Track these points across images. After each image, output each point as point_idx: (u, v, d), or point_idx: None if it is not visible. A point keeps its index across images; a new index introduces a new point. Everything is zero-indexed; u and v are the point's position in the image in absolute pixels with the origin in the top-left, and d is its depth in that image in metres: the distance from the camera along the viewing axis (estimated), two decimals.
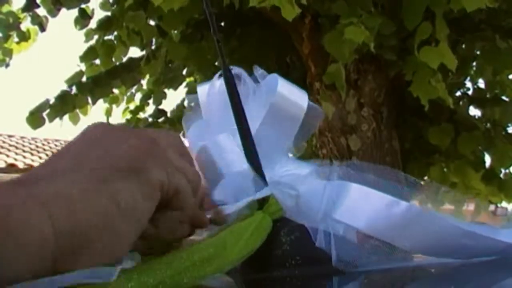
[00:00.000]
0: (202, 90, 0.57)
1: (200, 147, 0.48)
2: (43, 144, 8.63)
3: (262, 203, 0.47)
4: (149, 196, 0.35)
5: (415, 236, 0.46)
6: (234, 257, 0.40)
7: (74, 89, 3.73)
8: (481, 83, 4.01)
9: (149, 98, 4.30)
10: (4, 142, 8.18)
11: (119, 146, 0.36)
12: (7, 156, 7.25)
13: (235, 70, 0.54)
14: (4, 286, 0.28)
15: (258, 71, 0.57)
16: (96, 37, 3.98)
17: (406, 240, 0.47)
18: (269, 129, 0.52)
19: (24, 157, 7.44)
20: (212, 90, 0.55)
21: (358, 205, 0.47)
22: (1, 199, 0.29)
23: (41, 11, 3.99)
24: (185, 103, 4.35)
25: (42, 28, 4.11)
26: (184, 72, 4.10)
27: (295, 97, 0.54)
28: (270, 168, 0.50)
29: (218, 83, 0.56)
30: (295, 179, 0.50)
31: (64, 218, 0.30)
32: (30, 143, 8.49)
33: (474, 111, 3.94)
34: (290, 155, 0.56)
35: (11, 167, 6.74)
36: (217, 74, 0.56)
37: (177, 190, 0.38)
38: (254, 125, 0.51)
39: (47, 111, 3.60)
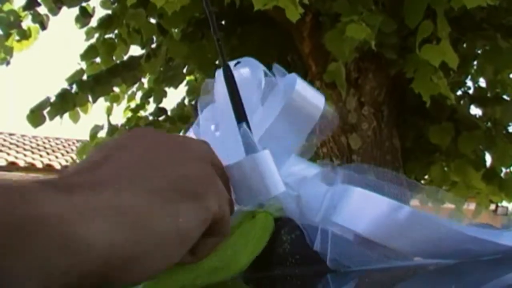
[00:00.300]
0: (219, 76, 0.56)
1: (236, 163, 0.45)
2: (44, 142, 8.64)
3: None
4: (204, 222, 0.35)
5: (417, 241, 0.46)
6: (246, 261, 0.41)
7: (74, 88, 3.73)
8: (482, 82, 4.00)
9: (150, 96, 4.30)
10: (5, 140, 8.19)
11: (181, 165, 0.36)
12: (8, 154, 7.27)
13: (256, 64, 0.54)
14: None
15: (278, 69, 0.57)
16: (96, 35, 3.98)
17: (407, 245, 0.47)
18: (282, 127, 0.52)
19: (25, 155, 7.46)
20: (219, 79, 0.54)
21: (360, 209, 0.47)
22: (47, 207, 0.26)
23: (42, 10, 3.99)
24: (186, 101, 4.36)
25: (43, 27, 4.11)
26: (185, 70, 4.10)
27: (312, 97, 0.54)
28: (278, 167, 0.50)
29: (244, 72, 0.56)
30: (298, 180, 0.50)
31: (123, 236, 0.29)
32: (30, 141, 8.50)
33: (475, 110, 3.94)
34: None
35: (12, 165, 6.76)
36: (234, 63, 0.56)
37: (222, 219, 0.38)
38: (268, 122, 0.51)
39: (48, 109, 3.60)
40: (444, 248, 0.46)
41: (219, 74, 0.54)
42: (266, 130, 0.50)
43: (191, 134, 0.60)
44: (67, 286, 0.27)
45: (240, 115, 0.49)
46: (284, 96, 0.53)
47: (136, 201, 0.31)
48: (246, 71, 0.56)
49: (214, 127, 0.53)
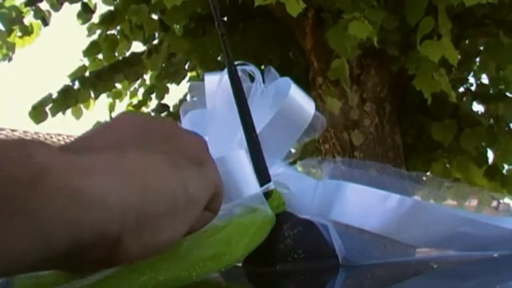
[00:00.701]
0: (210, 80, 0.56)
1: (217, 158, 0.46)
2: (46, 139, 8.65)
3: (265, 197, 0.47)
4: (208, 189, 0.35)
5: (411, 228, 0.46)
6: (240, 253, 0.41)
7: (77, 84, 3.73)
8: (485, 79, 4.00)
9: (152, 92, 4.30)
10: (7, 136, 8.21)
11: (179, 137, 0.36)
12: None
13: (248, 68, 0.54)
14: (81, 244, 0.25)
15: (270, 71, 0.57)
16: (98, 31, 3.98)
17: (403, 234, 0.47)
18: (272, 132, 0.52)
19: None
20: (223, 81, 0.54)
21: (352, 203, 0.47)
22: (54, 163, 0.25)
23: (44, 6, 3.99)
24: (188, 98, 4.36)
25: (45, 23, 4.11)
26: (187, 66, 4.10)
27: (304, 104, 0.54)
28: (270, 163, 0.51)
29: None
30: (287, 178, 0.50)
31: (134, 196, 0.28)
32: (33, 138, 8.51)
33: (477, 107, 3.93)
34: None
35: None
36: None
37: (219, 194, 0.37)
38: (256, 127, 0.51)
39: (50, 105, 3.60)
40: (440, 232, 0.46)
41: (223, 74, 0.54)
42: (259, 130, 0.50)
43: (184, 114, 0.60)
44: (75, 250, 0.26)
45: (245, 111, 0.49)
46: (276, 100, 0.53)
47: (143, 162, 0.30)
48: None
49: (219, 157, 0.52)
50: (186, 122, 0.58)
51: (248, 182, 0.46)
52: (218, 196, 0.37)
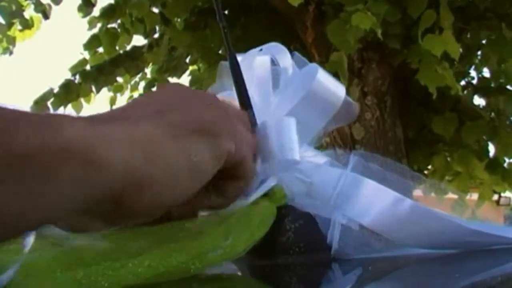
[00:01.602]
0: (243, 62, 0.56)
1: (261, 123, 0.48)
2: None
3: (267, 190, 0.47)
4: (216, 158, 0.37)
5: (419, 234, 0.46)
6: (242, 247, 0.41)
7: (78, 78, 3.73)
8: (486, 72, 3.99)
9: (153, 86, 4.30)
10: None
11: (198, 109, 0.38)
12: None
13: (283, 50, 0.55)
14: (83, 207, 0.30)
15: (299, 58, 0.58)
16: (99, 25, 3.97)
17: (410, 238, 0.47)
18: (299, 116, 0.52)
19: None
20: (253, 65, 0.55)
21: (367, 201, 0.47)
22: (74, 134, 0.29)
23: None
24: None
25: (46, 16, 4.10)
26: (188, 60, 4.09)
27: (332, 87, 0.54)
28: (291, 152, 0.51)
29: (260, 60, 0.56)
30: (311, 166, 0.49)
31: (137, 162, 0.32)
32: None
33: (479, 101, 3.93)
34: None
35: None
36: (257, 49, 0.56)
37: (242, 161, 0.40)
38: (286, 110, 0.51)
39: (51, 100, 3.61)
40: (448, 240, 0.46)
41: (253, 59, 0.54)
42: (285, 115, 0.51)
43: None
44: (87, 210, 0.30)
45: (245, 104, 0.49)
46: (304, 85, 0.53)
47: (150, 132, 0.34)
48: (266, 58, 0.57)
49: (263, 121, 0.53)
50: None
51: (292, 148, 0.47)
52: (243, 163, 0.40)
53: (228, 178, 0.41)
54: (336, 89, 0.54)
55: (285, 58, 0.57)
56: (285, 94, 0.54)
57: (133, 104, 0.38)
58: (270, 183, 0.47)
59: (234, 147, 0.39)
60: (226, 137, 0.38)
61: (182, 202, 0.36)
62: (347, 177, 0.48)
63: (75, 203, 0.29)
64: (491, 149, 3.72)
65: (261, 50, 0.58)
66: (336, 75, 2.91)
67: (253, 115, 0.48)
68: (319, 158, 0.55)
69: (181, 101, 0.39)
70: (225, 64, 0.56)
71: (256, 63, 0.56)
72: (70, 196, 0.29)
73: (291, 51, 0.60)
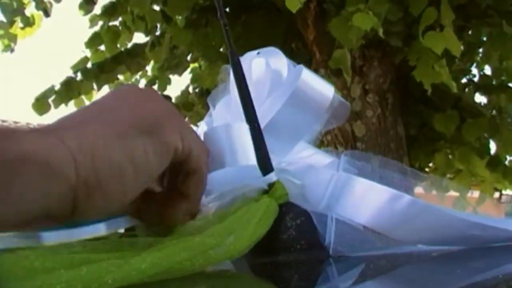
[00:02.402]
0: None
1: (210, 128, 0.49)
2: None
3: (268, 187, 0.47)
4: (161, 155, 0.39)
5: (420, 229, 0.46)
6: (245, 245, 0.41)
7: (79, 75, 3.73)
8: (487, 70, 3.98)
9: (154, 84, 4.29)
10: None
11: (142, 107, 0.40)
12: None
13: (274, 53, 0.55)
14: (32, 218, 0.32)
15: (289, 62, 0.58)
16: (100, 23, 3.97)
17: (410, 234, 0.47)
18: (288, 116, 0.52)
19: None
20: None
21: (361, 200, 0.47)
22: (29, 145, 0.32)
23: None
24: (190, 89, 4.35)
25: (47, 14, 4.10)
26: (189, 58, 4.08)
27: (319, 87, 0.54)
28: (284, 153, 0.51)
29: (256, 62, 0.56)
30: (303, 168, 0.50)
31: (86, 165, 0.34)
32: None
33: (480, 98, 3.93)
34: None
35: None
36: (255, 52, 0.57)
37: (190, 153, 0.41)
38: (274, 110, 0.52)
39: (53, 97, 3.60)
40: (448, 234, 0.46)
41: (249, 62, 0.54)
42: (271, 118, 0.51)
43: (202, 125, 0.60)
44: (45, 215, 0.32)
45: (246, 101, 0.49)
46: (290, 85, 0.53)
47: (96, 134, 0.35)
48: (261, 60, 0.57)
49: (212, 128, 0.53)
50: (221, 107, 0.58)
51: (245, 153, 0.47)
52: (191, 156, 0.41)
53: (185, 175, 0.42)
54: (323, 88, 0.54)
55: (281, 62, 0.57)
56: (275, 96, 0.54)
57: (82, 110, 0.40)
58: (268, 180, 0.47)
59: (181, 142, 0.40)
60: (171, 132, 0.39)
61: (132, 198, 0.38)
62: (339, 177, 0.48)
63: (33, 210, 0.31)
64: (492, 146, 3.72)
65: (258, 53, 0.58)
66: (339, 72, 2.92)
67: (254, 111, 0.49)
68: (317, 157, 0.55)
69: (126, 101, 0.40)
70: (228, 67, 0.56)
71: (252, 65, 0.57)
72: (28, 203, 0.31)
73: (291, 50, 0.60)
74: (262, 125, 0.50)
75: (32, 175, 0.31)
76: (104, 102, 0.41)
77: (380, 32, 2.53)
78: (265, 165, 0.48)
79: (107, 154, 0.35)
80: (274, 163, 0.49)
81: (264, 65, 0.57)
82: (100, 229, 0.38)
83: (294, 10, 2.48)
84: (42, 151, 0.32)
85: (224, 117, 0.57)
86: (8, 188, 0.30)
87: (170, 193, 0.43)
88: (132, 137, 0.37)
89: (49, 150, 0.32)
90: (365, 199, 0.47)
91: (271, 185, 0.48)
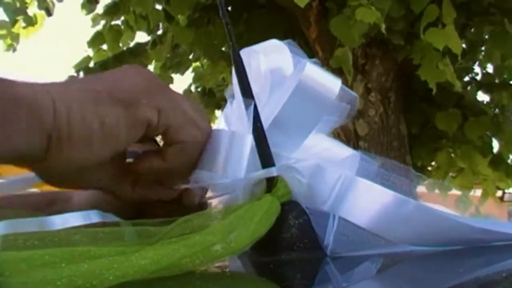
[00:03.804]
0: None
1: (214, 130, 0.49)
2: None
3: (270, 186, 0.47)
4: (131, 127, 0.41)
5: (423, 234, 0.46)
6: (245, 242, 0.41)
7: (81, 75, 3.73)
8: (490, 68, 3.98)
9: None
10: None
11: (124, 81, 0.43)
12: None
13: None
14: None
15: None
16: (103, 22, 3.98)
17: (414, 238, 0.47)
18: (294, 110, 0.52)
19: None
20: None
21: (365, 202, 0.47)
22: (20, 88, 0.36)
23: None
24: (192, 88, 4.35)
25: (49, 13, 4.10)
26: (191, 57, 4.09)
27: (324, 80, 0.54)
28: (293, 148, 0.51)
29: (257, 61, 0.56)
30: (310, 166, 0.49)
31: (61, 116, 0.38)
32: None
33: (483, 96, 3.92)
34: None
35: None
36: (256, 47, 0.57)
37: (167, 129, 0.44)
38: (280, 104, 0.51)
39: None
40: (453, 239, 0.46)
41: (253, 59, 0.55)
42: (277, 113, 0.51)
43: (223, 115, 0.60)
44: (18, 156, 0.37)
45: (248, 100, 0.49)
46: (293, 80, 0.53)
47: (75, 94, 0.39)
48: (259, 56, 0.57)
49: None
50: (234, 107, 0.58)
51: (238, 167, 0.47)
52: (171, 129, 0.44)
53: (165, 146, 0.45)
54: (329, 81, 0.54)
55: (285, 56, 0.57)
56: (280, 91, 0.54)
57: (74, 77, 0.45)
58: (268, 174, 0.47)
59: (157, 116, 0.42)
60: (145, 106, 0.42)
61: (96, 163, 0.41)
62: (346, 178, 0.48)
63: (16, 147, 0.36)
64: (495, 145, 3.72)
65: (261, 48, 0.58)
66: (340, 70, 2.92)
67: (256, 109, 0.48)
68: (339, 150, 0.55)
69: (116, 74, 0.44)
70: None
71: (255, 61, 0.56)
72: (15, 139, 0.35)
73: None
74: (268, 121, 0.50)
75: (20, 115, 0.35)
76: (96, 75, 0.45)
77: (383, 28, 2.53)
78: (266, 161, 0.48)
79: (81, 113, 0.38)
80: (282, 159, 0.49)
81: (267, 60, 0.56)
82: (71, 221, 0.39)
83: (302, 5, 2.48)
84: (30, 95, 0.36)
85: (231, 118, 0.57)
86: (2, 124, 0.34)
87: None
88: (106, 105, 0.40)
89: (35, 95, 0.37)
90: (369, 201, 0.47)
91: (273, 183, 0.47)
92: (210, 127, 0.49)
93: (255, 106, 0.48)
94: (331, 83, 0.54)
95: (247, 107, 0.49)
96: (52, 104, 0.37)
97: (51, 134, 0.37)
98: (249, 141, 0.47)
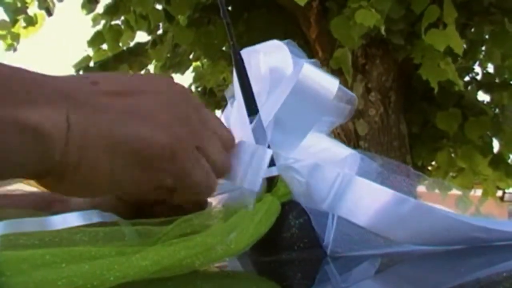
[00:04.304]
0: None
1: (239, 142, 0.49)
2: None
3: (270, 186, 0.47)
4: (141, 188, 0.39)
5: (423, 233, 0.46)
6: (246, 243, 0.41)
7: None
8: (490, 68, 3.98)
9: None
10: None
11: (156, 135, 0.37)
12: None
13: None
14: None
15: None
16: (103, 21, 3.98)
17: (414, 238, 0.47)
18: (293, 108, 0.52)
19: None
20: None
21: (364, 201, 0.47)
22: (37, 117, 0.32)
23: None
24: (192, 88, 4.35)
25: (49, 13, 4.10)
26: (191, 56, 4.09)
27: (321, 80, 0.54)
28: (291, 148, 0.51)
29: (257, 61, 0.56)
30: (309, 165, 0.49)
31: (73, 155, 0.34)
32: None
33: (483, 96, 3.92)
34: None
35: None
36: (256, 47, 0.57)
37: (179, 201, 0.43)
38: (278, 104, 0.51)
39: None
40: (453, 238, 0.46)
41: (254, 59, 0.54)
42: (276, 113, 0.51)
43: (223, 116, 0.60)
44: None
45: (249, 98, 0.49)
46: (291, 80, 0.53)
47: (96, 133, 0.35)
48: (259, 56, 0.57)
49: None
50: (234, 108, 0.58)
51: (254, 180, 0.46)
52: (180, 193, 0.41)
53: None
54: (326, 82, 0.54)
55: (285, 56, 0.57)
56: (278, 91, 0.54)
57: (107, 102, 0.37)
58: (269, 173, 0.47)
59: (171, 180, 0.39)
60: (164, 173, 0.38)
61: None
62: (344, 177, 0.48)
63: (21, 170, 0.33)
64: (495, 145, 3.72)
65: (261, 48, 0.58)
66: (341, 71, 2.92)
67: (256, 109, 0.49)
68: (338, 150, 0.55)
69: (139, 115, 0.37)
70: None
71: (255, 60, 0.56)
72: (19, 162, 0.33)
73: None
74: (267, 121, 0.50)
75: (27, 138, 0.32)
76: (136, 98, 0.38)
77: (382, 29, 2.53)
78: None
79: (93, 163, 0.35)
80: (281, 159, 0.49)
81: (267, 60, 0.56)
82: (71, 221, 0.39)
83: (302, 4, 2.48)
84: (43, 123, 0.32)
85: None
86: (2, 147, 0.31)
87: None
88: (124, 159, 0.36)
89: (48, 123, 0.33)
90: (369, 201, 0.47)
91: (273, 183, 0.47)
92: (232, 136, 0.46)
93: (256, 108, 0.49)
94: (329, 83, 0.54)
95: (247, 107, 0.49)
96: (65, 138, 0.33)
97: (54, 171, 0.34)
98: (269, 156, 0.46)
